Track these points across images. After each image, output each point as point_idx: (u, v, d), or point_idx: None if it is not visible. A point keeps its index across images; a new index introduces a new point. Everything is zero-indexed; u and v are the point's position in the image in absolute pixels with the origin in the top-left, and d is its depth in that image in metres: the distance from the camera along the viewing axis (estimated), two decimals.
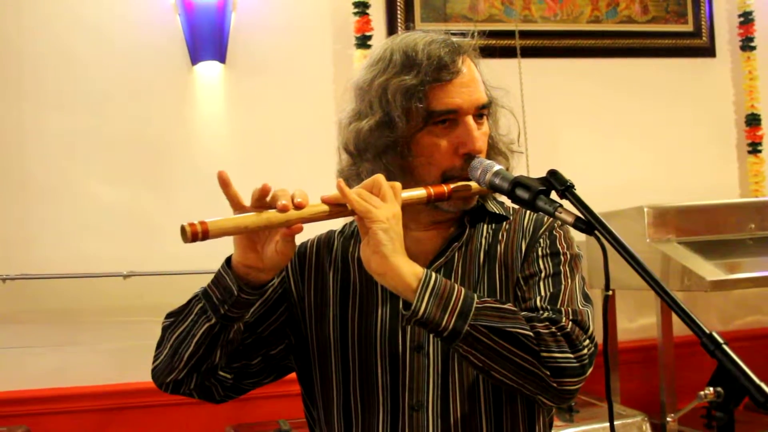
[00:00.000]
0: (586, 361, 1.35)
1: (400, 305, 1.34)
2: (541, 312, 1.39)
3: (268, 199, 1.29)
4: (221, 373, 1.45)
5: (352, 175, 1.49)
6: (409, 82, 1.41)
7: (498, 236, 1.54)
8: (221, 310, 1.33)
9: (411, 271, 1.30)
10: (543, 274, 1.49)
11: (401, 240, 1.31)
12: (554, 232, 1.55)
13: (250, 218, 1.25)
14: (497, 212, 1.57)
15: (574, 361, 1.33)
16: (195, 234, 1.18)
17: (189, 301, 1.41)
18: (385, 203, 1.31)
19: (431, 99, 1.42)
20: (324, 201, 1.31)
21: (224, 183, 1.31)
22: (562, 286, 1.49)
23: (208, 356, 1.38)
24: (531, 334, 1.31)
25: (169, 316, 1.45)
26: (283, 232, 1.29)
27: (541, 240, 1.53)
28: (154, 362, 1.45)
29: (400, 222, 1.32)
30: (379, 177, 1.34)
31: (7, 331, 3.14)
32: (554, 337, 1.33)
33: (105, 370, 3.16)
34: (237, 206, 1.30)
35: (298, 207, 1.27)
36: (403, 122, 1.42)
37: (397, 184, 1.35)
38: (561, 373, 1.32)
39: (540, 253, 1.52)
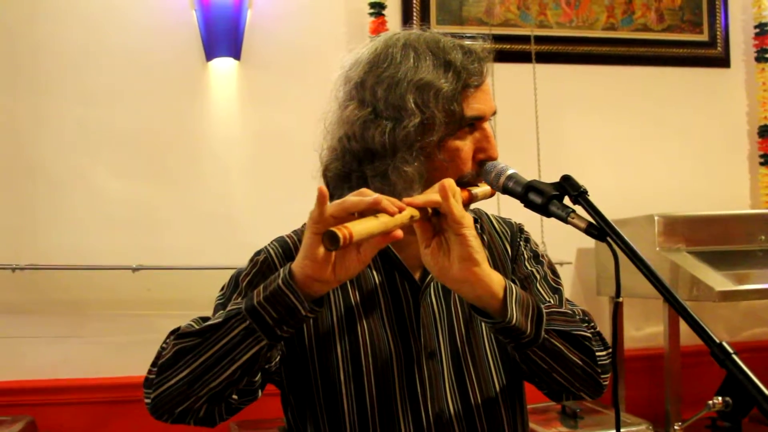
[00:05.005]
0: (612, 358, 1.43)
1: (458, 311, 1.44)
2: None
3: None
4: (233, 395, 1.37)
5: (340, 173, 1.45)
6: (450, 85, 1.39)
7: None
8: (277, 331, 1.23)
9: (497, 280, 1.29)
10: (539, 277, 1.56)
11: None
12: (525, 235, 1.63)
13: (372, 222, 1.17)
14: (472, 215, 1.57)
15: (606, 357, 1.43)
16: (345, 239, 1.11)
17: (225, 321, 1.26)
18: None
19: (463, 104, 1.41)
20: (419, 204, 1.25)
21: (323, 199, 1.18)
22: (560, 290, 1.56)
23: (240, 381, 1.28)
24: (589, 335, 1.39)
25: (184, 336, 1.30)
26: (380, 238, 1.20)
27: (522, 242, 1.60)
28: (155, 390, 1.32)
29: None
30: (452, 181, 1.28)
31: (14, 321, 3.15)
32: (594, 337, 1.42)
33: (111, 363, 3.17)
34: (322, 222, 1.18)
35: (401, 211, 1.21)
36: (442, 125, 1.39)
37: (458, 188, 1.31)
38: (604, 369, 1.42)
39: (525, 255, 1.58)
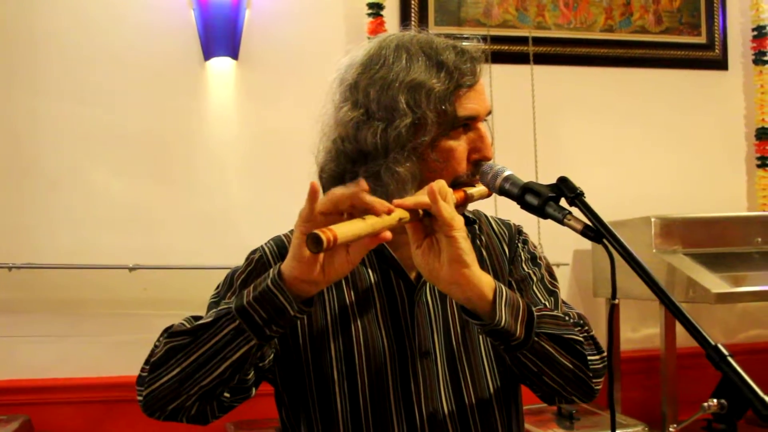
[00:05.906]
0: (606, 362, 1.42)
1: (454, 311, 1.43)
2: None
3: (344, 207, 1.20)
4: (225, 393, 1.37)
5: (335, 174, 1.45)
6: (442, 85, 1.40)
7: (475, 241, 1.56)
8: (267, 330, 1.23)
9: (487, 282, 1.28)
10: (536, 279, 1.55)
11: None
12: (523, 237, 1.62)
13: (358, 224, 1.16)
14: (470, 216, 1.57)
15: (600, 362, 1.41)
16: (328, 241, 1.10)
17: (216, 320, 1.27)
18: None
19: (456, 104, 1.41)
20: (409, 206, 1.25)
21: (314, 195, 1.19)
22: (556, 293, 1.56)
23: (231, 380, 1.29)
24: (581, 339, 1.38)
25: (175, 334, 1.31)
26: (368, 239, 1.19)
27: (519, 244, 1.60)
28: (147, 387, 1.32)
29: None
30: (444, 183, 1.29)
31: (11, 319, 3.14)
32: (587, 341, 1.41)
33: (108, 362, 3.16)
34: (312, 221, 1.19)
35: (389, 213, 1.20)
36: (435, 126, 1.39)
37: (450, 190, 1.31)
38: (597, 374, 1.40)
39: (523, 257, 1.58)
